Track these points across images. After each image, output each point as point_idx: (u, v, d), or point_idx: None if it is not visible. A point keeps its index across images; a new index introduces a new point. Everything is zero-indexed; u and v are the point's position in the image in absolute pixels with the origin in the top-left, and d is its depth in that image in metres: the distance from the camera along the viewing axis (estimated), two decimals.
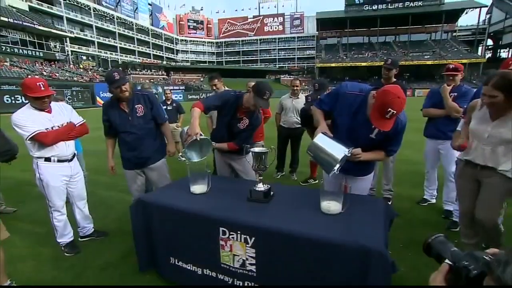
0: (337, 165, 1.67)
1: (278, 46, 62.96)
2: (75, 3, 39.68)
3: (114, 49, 47.27)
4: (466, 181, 2.09)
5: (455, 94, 2.86)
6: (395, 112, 1.52)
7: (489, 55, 50.58)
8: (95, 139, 4.43)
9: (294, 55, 62.03)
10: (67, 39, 36.26)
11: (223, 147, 2.48)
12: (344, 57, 50.41)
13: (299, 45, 61.80)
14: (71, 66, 33.93)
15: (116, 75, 2.34)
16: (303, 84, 9.56)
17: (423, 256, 2.59)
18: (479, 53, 49.06)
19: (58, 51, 33.81)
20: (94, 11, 42.58)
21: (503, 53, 50.58)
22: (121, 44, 48.38)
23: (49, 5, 35.47)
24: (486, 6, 48.52)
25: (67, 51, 36.42)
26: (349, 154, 1.68)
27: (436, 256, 0.83)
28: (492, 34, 50.96)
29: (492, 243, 1.99)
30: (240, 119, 2.41)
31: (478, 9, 48.49)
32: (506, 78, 1.67)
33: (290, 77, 51.75)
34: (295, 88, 4.29)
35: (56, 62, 32.11)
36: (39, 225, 3.02)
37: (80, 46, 40.24)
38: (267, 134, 4.50)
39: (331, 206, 1.61)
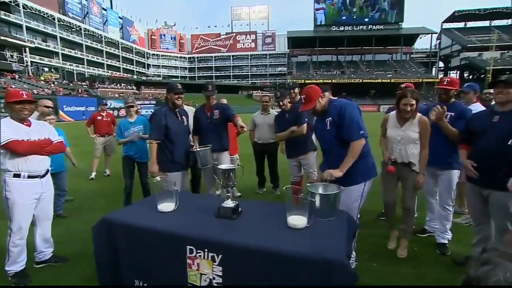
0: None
1: (250, 63, 64.51)
2: (37, 12, 37.72)
3: (81, 62, 45.38)
4: (391, 177, 2.65)
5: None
6: (304, 96, 2.15)
7: (441, 75, 55.82)
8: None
9: (266, 72, 63.83)
10: (27, 49, 34.18)
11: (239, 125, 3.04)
12: (314, 74, 52.76)
13: (271, 62, 63.81)
14: (30, 77, 31.82)
15: (179, 85, 3.00)
16: (274, 99, 9.95)
17: (388, 266, 2.73)
18: (433, 73, 54.07)
19: (15, 62, 31.62)
20: (58, 21, 40.87)
21: (452, 74, 56.17)
22: (88, 56, 46.62)
23: (6, 13, 33.34)
24: (436, 33, 54.32)
25: (26, 62, 34.22)
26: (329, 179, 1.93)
27: None
28: (442, 57, 56.88)
29: (407, 225, 2.66)
30: (212, 113, 3.30)
31: (430, 35, 54.10)
32: (415, 92, 2.50)
33: (262, 92, 52.82)
34: (265, 103, 4.40)
35: (12, 73, 29.92)
36: None
37: (41, 57, 38.05)
38: (244, 151, 4.53)
39: (297, 220, 1.66)
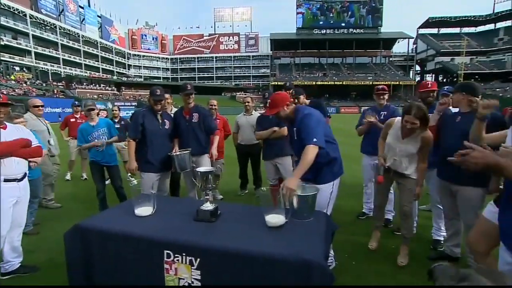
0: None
1: (233, 64, 64.34)
2: (6, 8, 35.61)
3: (56, 61, 43.42)
4: (384, 182, 2.61)
5: (385, 112, 3.23)
6: (270, 101, 2.24)
7: (418, 78, 58.32)
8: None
9: (250, 73, 63.86)
10: None
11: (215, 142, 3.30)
12: (297, 76, 53.48)
13: (254, 64, 63.95)
14: None
15: (158, 91, 3.01)
16: (256, 101, 9.97)
17: (366, 264, 2.80)
18: (411, 76, 56.41)
19: None
20: (31, 18, 38.88)
21: (428, 77, 58.81)
22: (64, 56, 44.70)
23: None
24: (413, 38, 56.75)
25: None
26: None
27: None
28: (419, 61, 59.41)
29: (407, 230, 2.58)
30: (191, 116, 3.27)
31: (407, 40, 56.47)
32: (422, 110, 2.24)
33: (246, 94, 52.92)
34: (247, 104, 4.42)
35: None
36: None
37: (11, 55, 36.00)
38: (228, 153, 4.52)
39: (275, 218, 1.67)
